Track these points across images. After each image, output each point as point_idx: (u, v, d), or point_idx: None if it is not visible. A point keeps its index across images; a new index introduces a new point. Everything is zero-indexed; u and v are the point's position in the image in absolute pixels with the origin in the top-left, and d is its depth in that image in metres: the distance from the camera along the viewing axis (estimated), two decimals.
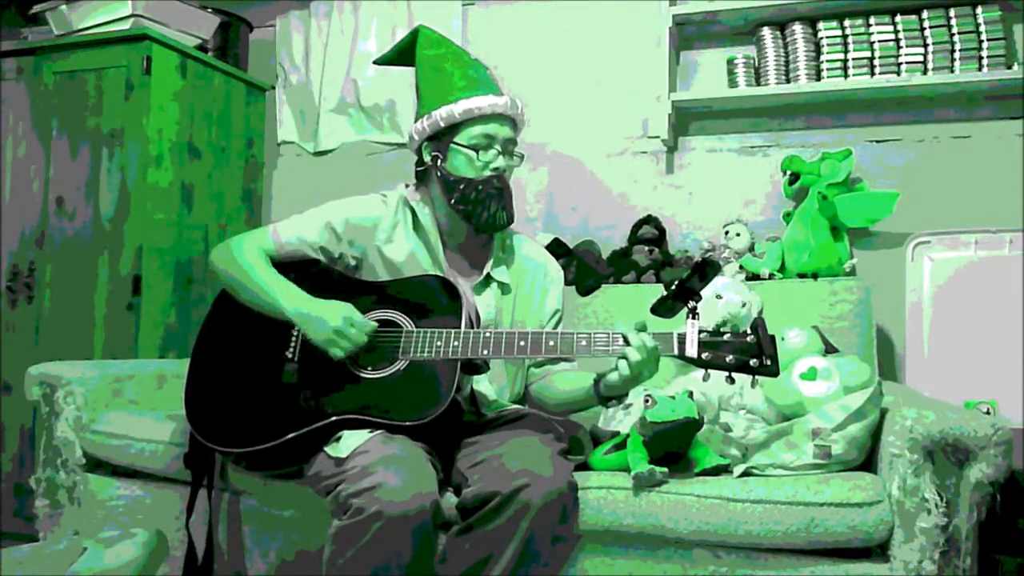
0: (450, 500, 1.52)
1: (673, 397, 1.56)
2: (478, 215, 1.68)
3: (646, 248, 2.50)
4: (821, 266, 2.29)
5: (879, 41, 2.40)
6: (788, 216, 2.45)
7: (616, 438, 1.71)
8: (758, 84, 2.52)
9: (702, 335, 1.45)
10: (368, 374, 1.57)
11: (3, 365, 2.68)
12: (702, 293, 1.45)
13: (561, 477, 1.44)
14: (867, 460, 1.57)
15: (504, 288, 1.78)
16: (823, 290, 2.22)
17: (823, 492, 1.44)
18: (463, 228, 1.74)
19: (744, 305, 2.04)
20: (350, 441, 1.47)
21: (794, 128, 2.58)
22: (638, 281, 2.41)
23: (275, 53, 3.16)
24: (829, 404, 1.59)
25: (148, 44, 2.58)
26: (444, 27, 2.87)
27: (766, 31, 2.50)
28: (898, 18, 2.39)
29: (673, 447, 1.57)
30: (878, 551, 1.45)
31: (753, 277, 2.36)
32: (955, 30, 2.33)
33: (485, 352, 1.52)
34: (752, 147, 2.62)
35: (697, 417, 1.54)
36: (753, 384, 1.46)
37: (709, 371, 1.45)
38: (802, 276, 2.30)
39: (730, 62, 2.56)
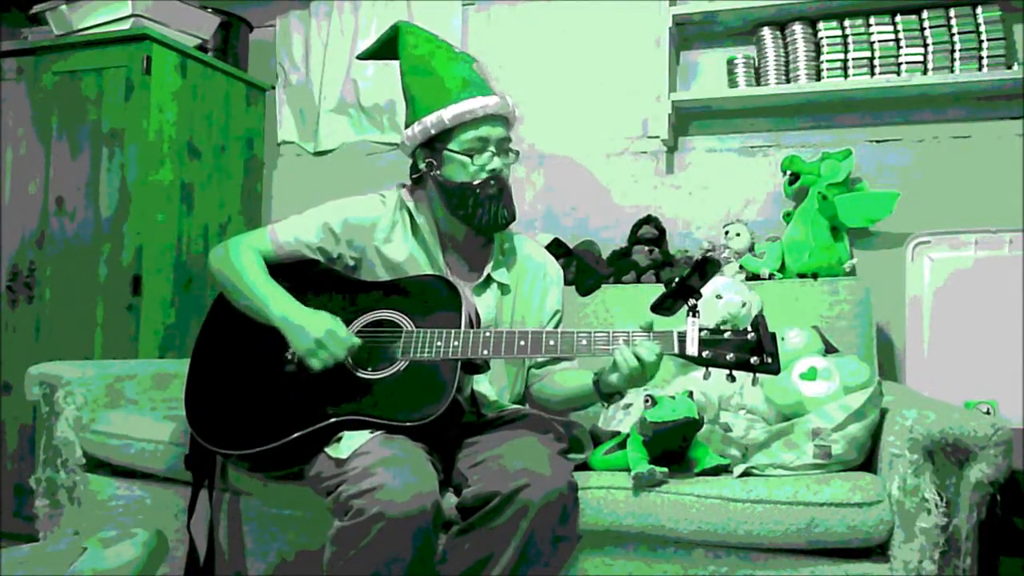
0: (450, 500, 1.52)
1: (673, 397, 1.56)
2: (478, 218, 1.68)
3: (646, 248, 2.50)
4: (821, 266, 2.29)
5: (879, 41, 2.40)
6: (788, 216, 2.45)
7: (616, 438, 1.71)
8: (758, 84, 2.52)
9: (702, 333, 1.45)
10: (368, 375, 1.56)
11: (3, 365, 2.68)
12: (702, 291, 1.45)
13: (561, 477, 1.44)
14: (867, 460, 1.57)
15: (504, 289, 1.77)
16: (823, 290, 2.22)
17: (823, 492, 1.44)
18: (462, 229, 1.73)
19: (744, 305, 2.04)
20: (350, 442, 1.47)
21: (794, 128, 2.58)
22: (638, 281, 2.41)
23: (275, 53, 3.16)
24: (829, 404, 1.59)
25: (148, 44, 2.58)
26: (444, 27, 2.88)
27: (766, 31, 2.50)
28: (898, 18, 2.39)
29: (673, 447, 1.57)
30: (878, 551, 1.45)
31: (753, 277, 2.36)
32: (955, 30, 2.33)
33: (485, 352, 1.52)
34: (752, 147, 2.62)
35: (697, 417, 1.54)
36: (754, 382, 1.45)
37: (710, 369, 1.45)
38: (802, 276, 2.30)
39: (730, 62, 2.56)
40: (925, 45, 2.36)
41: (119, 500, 1.96)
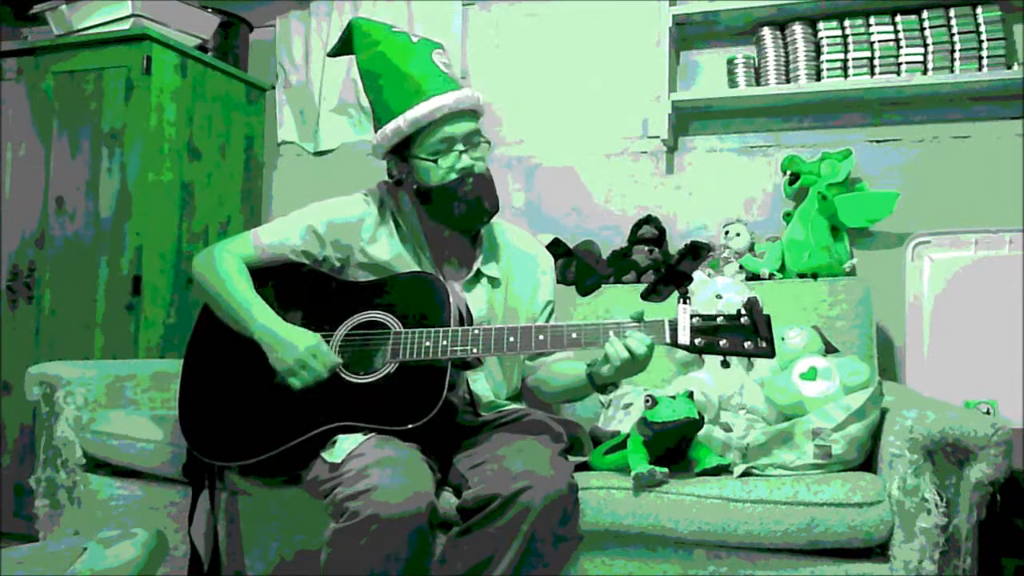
0: (449, 501, 1.52)
1: (673, 397, 1.56)
2: (458, 218, 1.65)
3: (646, 248, 2.50)
4: (821, 266, 2.29)
5: (879, 41, 2.40)
6: (788, 216, 2.45)
7: (616, 438, 1.71)
8: (758, 84, 2.52)
9: (694, 320, 1.42)
10: (359, 379, 1.54)
11: (3, 365, 2.68)
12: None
13: (561, 479, 1.44)
14: (867, 460, 1.57)
15: (494, 282, 1.75)
16: (823, 290, 2.22)
17: (823, 492, 1.44)
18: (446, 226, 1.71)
19: None
20: (345, 445, 1.47)
21: (794, 128, 2.58)
22: (638, 281, 2.41)
23: (275, 53, 3.16)
24: (829, 404, 1.59)
25: (148, 44, 2.58)
26: (444, 27, 2.88)
27: (766, 31, 2.50)
28: (898, 18, 2.39)
29: (673, 447, 1.57)
30: (878, 551, 1.45)
31: (753, 277, 2.36)
32: (955, 30, 2.33)
33: (475, 350, 1.50)
34: (752, 147, 2.62)
35: (697, 417, 1.53)
36: (749, 367, 1.43)
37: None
38: (802, 276, 2.30)
39: (730, 62, 2.56)
40: (925, 45, 2.36)
41: (119, 500, 1.96)
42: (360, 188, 1.80)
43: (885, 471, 1.48)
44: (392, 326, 1.57)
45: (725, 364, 1.42)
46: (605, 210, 2.72)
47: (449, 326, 1.52)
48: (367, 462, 1.39)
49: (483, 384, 1.71)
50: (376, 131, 1.68)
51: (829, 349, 1.97)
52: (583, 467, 1.66)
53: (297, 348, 1.52)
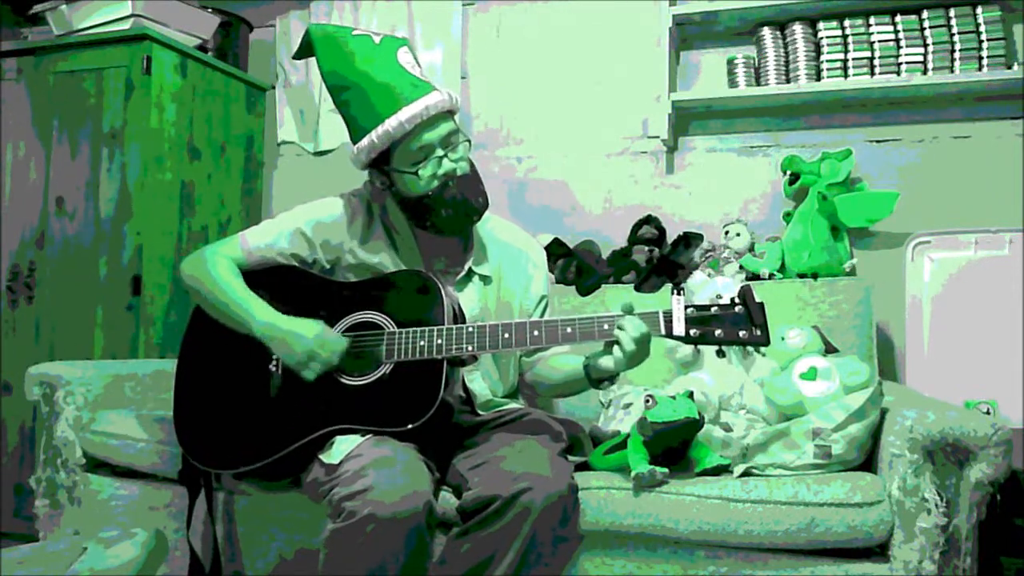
0: (448, 501, 1.52)
1: (673, 397, 1.56)
2: (446, 223, 1.63)
3: (646, 248, 2.50)
4: (821, 266, 2.29)
5: (879, 41, 2.40)
6: (788, 216, 2.45)
7: (616, 438, 1.71)
8: (758, 84, 2.52)
9: (688, 311, 1.42)
10: (354, 381, 1.54)
11: (3, 365, 2.68)
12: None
13: (562, 479, 1.44)
14: (867, 460, 1.57)
15: (486, 280, 1.74)
16: (823, 290, 2.22)
17: (823, 492, 1.44)
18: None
19: None
20: (342, 446, 1.46)
21: (794, 128, 2.58)
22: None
23: (275, 53, 3.16)
24: (829, 404, 1.59)
25: (148, 44, 2.58)
26: (444, 27, 2.88)
27: (766, 31, 2.50)
28: (898, 18, 2.39)
29: (673, 447, 1.57)
30: (878, 551, 1.45)
31: (753, 277, 2.36)
32: (955, 30, 2.33)
33: (469, 347, 1.49)
34: (752, 147, 2.62)
35: (697, 417, 1.53)
36: (745, 355, 1.43)
37: (699, 347, 1.41)
38: (802, 276, 2.30)
39: (730, 62, 2.56)
40: (925, 45, 2.36)
41: (119, 500, 1.96)
42: (356, 188, 1.79)
43: (885, 471, 1.48)
44: (386, 326, 1.56)
45: (720, 354, 1.42)
46: (605, 210, 2.72)
47: (443, 324, 1.51)
48: (364, 462, 1.39)
49: (479, 382, 1.71)
50: (352, 144, 1.64)
51: (829, 349, 1.97)
52: (583, 467, 1.66)
53: (304, 339, 1.51)
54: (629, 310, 1.45)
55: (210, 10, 2.84)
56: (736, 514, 1.45)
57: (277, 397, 1.57)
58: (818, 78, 2.45)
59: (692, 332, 1.42)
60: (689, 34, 2.67)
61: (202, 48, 2.82)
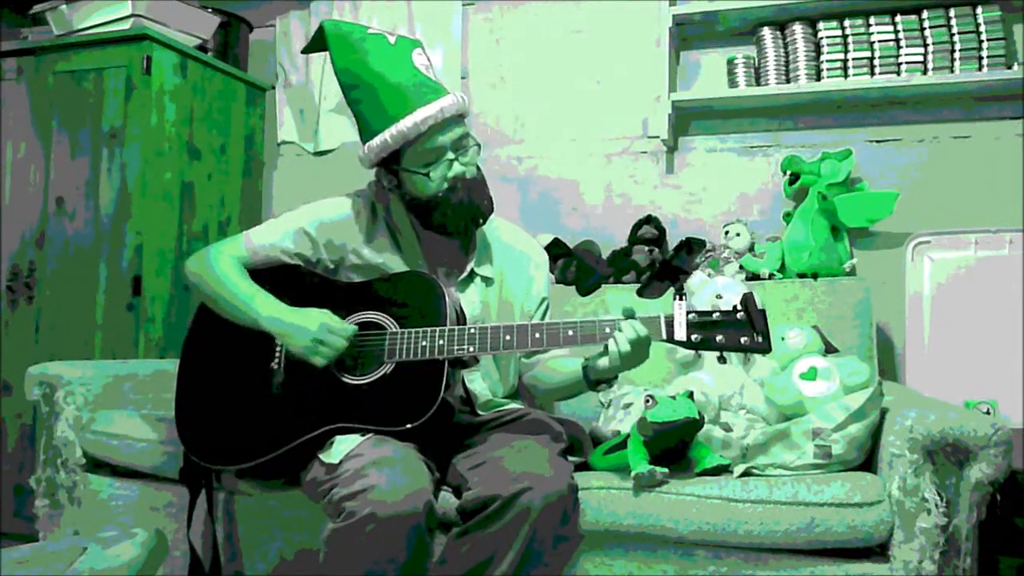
0: (448, 501, 1.52)
1: (673, 397, 1.56)
2: (452, 225, 1.64)
3: (646, 248, 2.50)
4: (821, 266, 2.30)
5: (879, 41, 2.40)
6: (788, 216, 2.45)
7: (616, 438, 1.71)
8: (758, 84, 2.52)
9: (690, 316, 1.43)
10: (356, 379, 1.54)
11: (3, 365, 2.68)
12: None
13: (561, 479, 1.44)
14: (867, 460, 1.57)
15: (488, 282, 1.74)
16: (823, 290, 2.22)
17: (823, 492, 1.44)
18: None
19: None
20: (342, 446, 1.46)
21: (794, 128, 2.58)
22: (638, 281, 2.41)
23: (275, 53, 3.16)
24: (829, 404, 1.59)
25: (148, 44, 2.58)
26: (444, 27, 2.88)
27: (766, 31, 2.50)
28: (898, 18, 2.39)
29: (673, 447, 1.57)
30: (878, 551, 1.45)
31: (753, 277, 2.36)
32: (955, 30, 2.33)
33: (471, 348, 1.50)
34: (752, 147, 2.62)
35: (697, 417, 1.54)
36: (747, 362, 1.43)
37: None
38: (802, 276, 2.30)
39: (730, 62, 2.56)
40: (925, 45, 2.36)
41: (119, 500, 1.96)
42: (359, 188, 1.79)
43: (885, 471, 1.48)
44: (388, 326, 1.56)
45: (722, 360, 1.42)
46: (605, 210, 2.72)
47: (445, 325, 1.52)
48: (364, 462, 1.39)
49: (480, 383, 1.71)
50: (362, 143, 1.65)
51: (829, 349, 1.97)
52: (583, 467, 1.66)
53: (310, 327, 1.51)
54: (631, 314, 1.46)
55: (210, 10, 2.84)
56: (736, 514, 1.45)
57: (278, 395, 1.57)
58: (818, 78, 2.45)
59: (693, 337, 1.42)
60: (689, 34, 2.67)
61: (202, 48, 2.82)
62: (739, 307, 1.42)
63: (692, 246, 1.41)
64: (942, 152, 2.44)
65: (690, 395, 1.58)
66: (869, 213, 2.37)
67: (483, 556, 1.40)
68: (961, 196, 2.39)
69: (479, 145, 1.67)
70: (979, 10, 2.31)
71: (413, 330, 1.52)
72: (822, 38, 2.45)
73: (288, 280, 1.66)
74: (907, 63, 2.38)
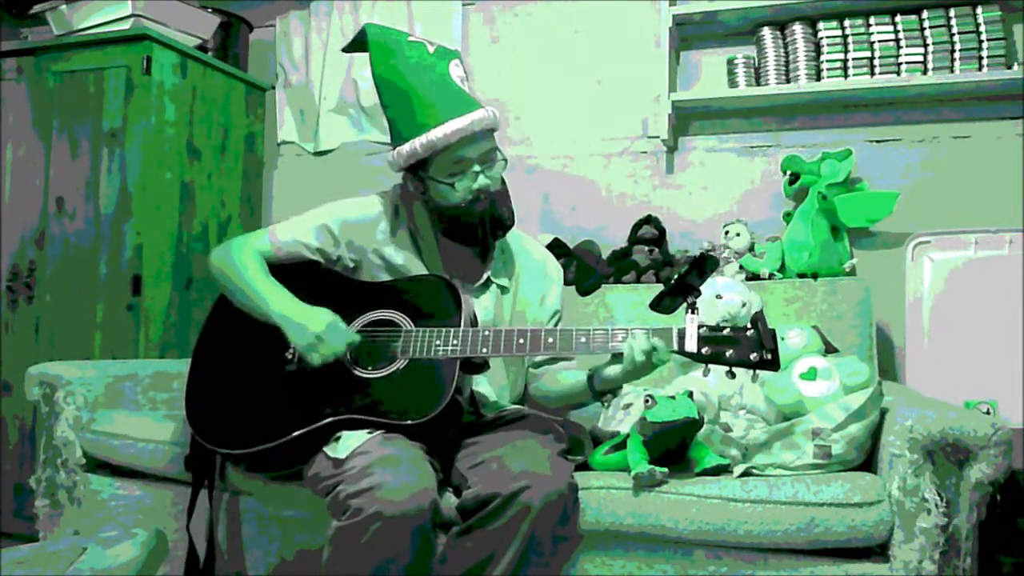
0: (449, 500, 1.52)
1: (673, 397, 1.56)
2: (474, 235, 1.67)
3: (646, 248, 2.50)
4: (821, 266, 2.30)
5: (879, 41, 2.40)
6: (788, 216, 2.45)
7: (616, 438, 1.71)
8: (758, 84, 2.52)
9: (701, 330, 1.45)
10: (367, 374, 1.56)
11: (3, 365, 2.68)
12: (702, 289, 1.45)
13: (561, 478, 1.44)
14: (867, 460, 1.57)
15: (504, 290, 1.77)
16: (823, 290, 2.22)
17: (823, 492, 1.44)
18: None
19: (744, 305, 2.04)
20: (349, 442, 1.47)
21: (794, 128, 2.58)
22: (638, 281, 2.41)
23: (275, 53, 3.16)
24: (829, 404, 1.59)
25: (148, 44, 2.58)
26: (444, 27, 2.88)
27: (766, 31, 2.50)
28: (898, 18, 2.39)
29: (673, 447, 1.57)
30: (878, 551, 1.45)
31: (753, 277, 2.36)
32: (955, 30, 2.33)
33: (484, 351, 1.52)
34: (752, 147, 2.62)
35: (697, 417, 1.54)
36: (754, 379, 1.45)
37: (709, 366, 1.45)
38: (802, 276, 2.30)
39: (730, 62, 2.56)
40: (925, 45, 2.36)
41: (119, 500, 1.96)
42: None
43: (885, 471, 1.48)
44: (403, 325, 1.58)
45: (731, 375, 1.44)
46: (605, 210, 2.72)
47: (460, 328, 1.53)
48: (371, 460, 1.39)
49: (487, 386, 1.72)
50: (393, 146, 1.68)
51: (829, 349, 1.97)
52: (583, 467, 1.66)
53: (315, 325, 1.53)
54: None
55: (210, 10, 2.84)
56: (736, 514, 1.45)
57: (289, 385, 1.59)
58: (818, 78, 2.45)
59: (704, 350, 1.44)
60: (689, 34, 2.67)
61: (202, 48, 2.82)
62: (749, 325, 1.45)
63: (705, 266, 1.43)
64: (942, 152, 2.44)
65: (690, 395, 1.59)
66: (869, 213, 2.37)
67: (483, 554, 1.40)
68: (961, 196, 2.39)
69: (506, 160, 1.70)
70: (979, 10, 2.31)
71: (428, 329, 1.54)
72: (822, 38, 2.45)
73: (308, 278, 1.69)
74: (907, 63, 2.38)
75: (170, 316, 2.65)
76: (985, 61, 2.31)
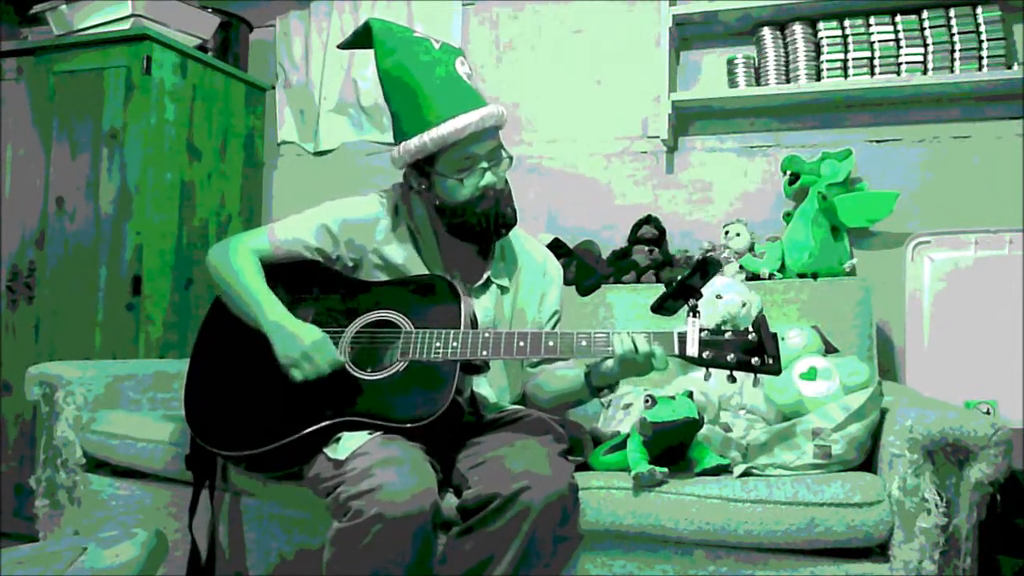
0: (450, 501, 1.52)
1: (673, 397, 1.57)
2: (476, 233, 1.67)
3: (646, 248, 2.50)
4: (821, 266, 2.30)
5: (879, 41, 2.40)
6: (788, 216, 2.45)
7: (616, 438, 1.71)
8: (758, 84, 2.52)
9: (703, 334, 1.45)
10: (367, 375, 1.56)
11: (3, 365, 2.68)
12: (703, 291, 1.45)
13: (562, 478, 1.44)
14: (867, 460, 1.57)
15: (504, 290, 1.77)
16: (823, 290, 2.22)
17: (823, 492, 1.44)
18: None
19: (744, 305, 2.04)
20: (349, 443, 1.47)
21: (794, 128, 2.58)
22: (638, 281, 2.41)
23: (275, 53, 3.16)
24: (829, 404, 1.59)
25: (148, 44, 2.58)
26: (444, 27, 2.88)
27: (766, 31, 2.50)
28: (898, 18, 2.39)
29: (673, 447, 1.57)
30: (878, 551, 1.45)
31: (753, 277, 2.36)
32: (955, 30, 2.33)
33: (484, 353, 1.51)
34: (752, 147, 2.62)
35: (697, 417, 1.54)
36: (755, 383, 1.45)
37: (710, 370, 1.45)
38: (802, 276, 2.30)
39: (730, 62, 2.56)
40: (925, 45, 2.36)
41: (119, 500, 1.96)
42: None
43: (885, 471, 1.48)
44: (403, 326, 1.58)
45: (732, 379, 1.44)
46: (605, 210, 2.72)
47: (460, 329, 1.53)
48: (371, 461, 1.39)
49: (487, 387, 1.72)
50: (397, 141, 1.66)
51: (829, 349, 1.97)
52: (583, 467, 1.66)
53: (303, 342, 1.52)
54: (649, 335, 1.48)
55: (210, 10, 2.84)
56: (736, 514, 1.45)
57: (289, 386, 1.58)
58: (818, 78, 2.45)
59: (705, 354, 1.44)
60: (689, 34, 2.67)
61: (202, 48, 2.82)
62: (751, 329, 1.44)
63: (707, 271, 1.43)
64: (942, 152, 2.44)
65: (690, 395, 1.59)
66: (869, 213, 2.37)
67: (483, 555, 1.40)
68: (961, 196, 2.39)
69: (511, 158, 1.70)
70: (979, 10, 2.31)
71: (428, 331, 1.54)
72: (822, 38, 2.45)
73: (309, 277, 1.68)
74: (907, 63, 2.38)
75: (170, 316, 2.65)
76: (985, 61, 2.31)
